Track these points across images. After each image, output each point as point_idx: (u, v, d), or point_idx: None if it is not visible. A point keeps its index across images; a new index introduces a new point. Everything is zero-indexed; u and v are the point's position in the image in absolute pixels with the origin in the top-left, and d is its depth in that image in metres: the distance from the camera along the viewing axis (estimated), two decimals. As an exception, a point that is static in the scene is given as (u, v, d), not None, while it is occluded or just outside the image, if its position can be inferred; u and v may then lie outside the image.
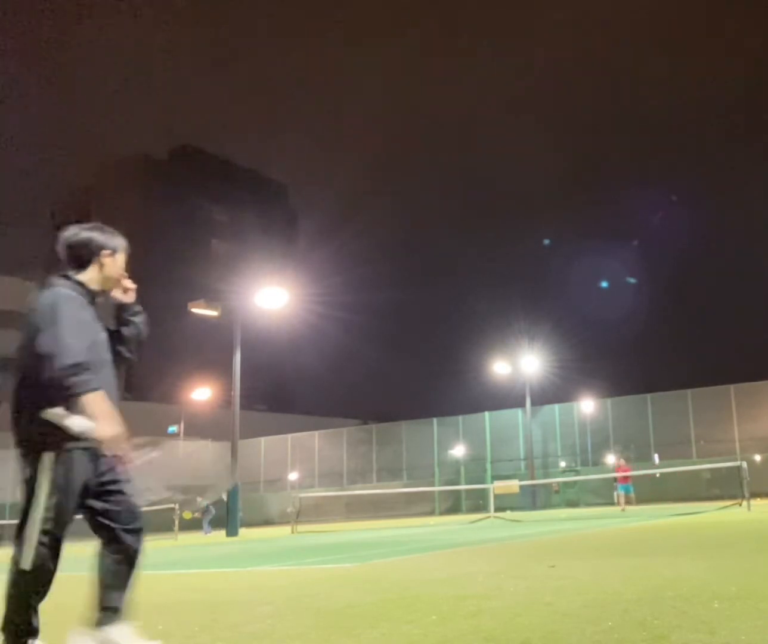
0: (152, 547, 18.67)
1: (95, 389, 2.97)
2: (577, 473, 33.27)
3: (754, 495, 19.62)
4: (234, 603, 5.15)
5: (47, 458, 2.99)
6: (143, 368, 70.72)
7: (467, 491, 34.64)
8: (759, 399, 32.16)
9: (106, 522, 3.22)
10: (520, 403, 35.55)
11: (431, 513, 34.16)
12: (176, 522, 24.49)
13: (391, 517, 31.02)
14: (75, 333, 3.02)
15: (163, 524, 29.92)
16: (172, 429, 52.13)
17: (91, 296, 3.33)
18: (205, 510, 30.92)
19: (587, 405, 36.36)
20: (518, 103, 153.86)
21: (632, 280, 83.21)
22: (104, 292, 3.42)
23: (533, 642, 3.06)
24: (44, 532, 3.00)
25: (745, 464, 18.73)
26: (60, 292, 3.14)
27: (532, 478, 32.51)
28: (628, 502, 23.37)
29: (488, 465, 36.07)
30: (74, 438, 2.97)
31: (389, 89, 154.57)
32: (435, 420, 39.17)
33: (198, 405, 50.50)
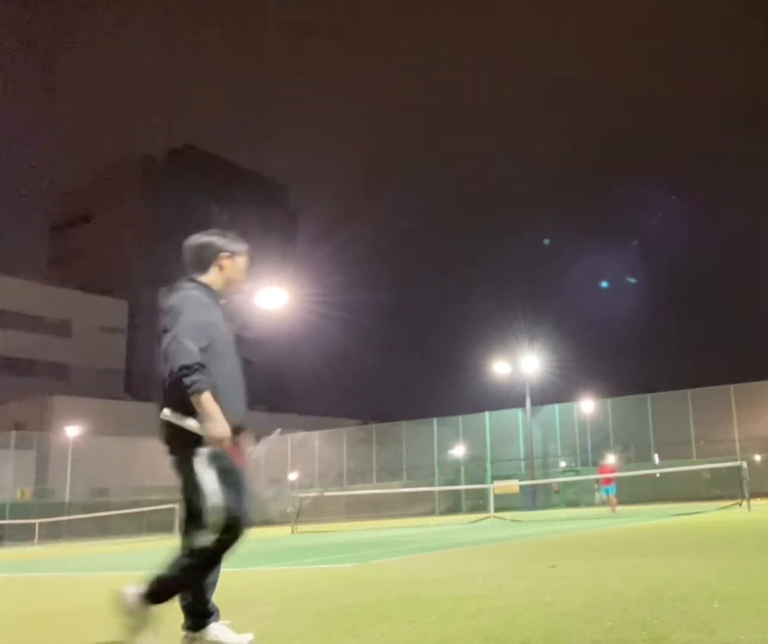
0: (152, 547, 18.70)
1: (203, 389, 3.06)
2: (577, 473, 33.25)
3: (754, 495, 19.61)
4: (234, 603, 5.14)
5: (199, 453, 3.13)
6: (143, 368, 70.80)
7: (467, 491, 34.63)
8: (759, 399, 32.17)
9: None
10: (520, 403, 35.54)
11: (431, 513, 34.16)
12: (176, 522, 24.47)
13: (391, 517, 31.03)
14: (192, 334, 3.13)
15: (164, 524, 29.93)
16: (172, 429, 52.12)
17: (216, 297, 3.45)
18: None
19: (587, 405, 36.36)
20: (518, 103, 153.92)
21: (632, 280, 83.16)
22: (226, 294, 3.55)
23: (533, 642, 3.06)
24: (207, 520, 3.13)
25: (745, 464, 18.74)
26: (184, 294, 3.28)
27: (532, 478, 32.50)
28: (610, 504, 22.91)
29: (488, 465, 36.08)
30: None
31: (389, 89, 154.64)
32: (435, 420, 39.16)
33: (198, 405, 50.49)
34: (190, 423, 3.11)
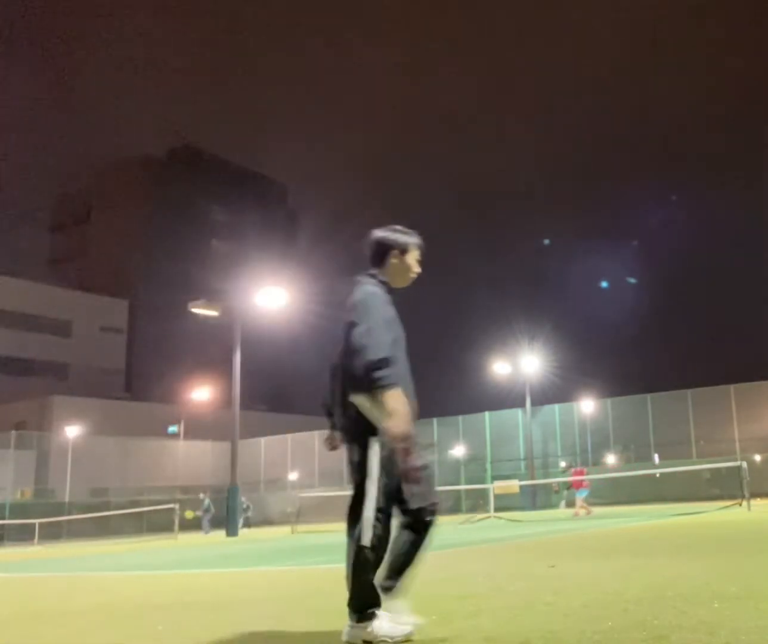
0: (152, 547, 18.70)
1: (393, 385, 3.11)
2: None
3: (754, 495, 19.62)
4: (234, 603, 5.15)
5: (375, 443, 3.20)
6: (143, 368, 70.78)
7: (467, 491, 34.63)
8: (759, 399, 32.17)
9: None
10: (520, 403, 35.54)
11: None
12: (176, 522, 24.49)
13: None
14: (383, 328, 3.23)
15: (164, 524, 29.94)
16: (172, 429, 52.12)
17: (392, 293, 3.53)
18: (206, 509, 30.91)
19: (587, 405, 36.35)
20: (518, 103, 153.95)
21: (632, 280, 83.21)
22: (400, 287, 3.62)
23: (533, 642, 3.06)
24: (378, 510, 3.18)
25: (745, 464, 18.74)
26: (368, 289, 3.38)
27: (532, 478, 32.50)
28: (582, 507, 22.54)
29: (488, 465, 36.08)
30: None
31: (389, 89, 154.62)
32: (435, 420, 39.14)
33: (198, 406, 50.50)
34: (377, 416, 3.16)
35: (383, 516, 3.20)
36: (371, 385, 3.11)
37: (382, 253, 3.55)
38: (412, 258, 3.61)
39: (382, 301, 3.36)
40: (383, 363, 3.11)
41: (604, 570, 5.79)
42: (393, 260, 3.55)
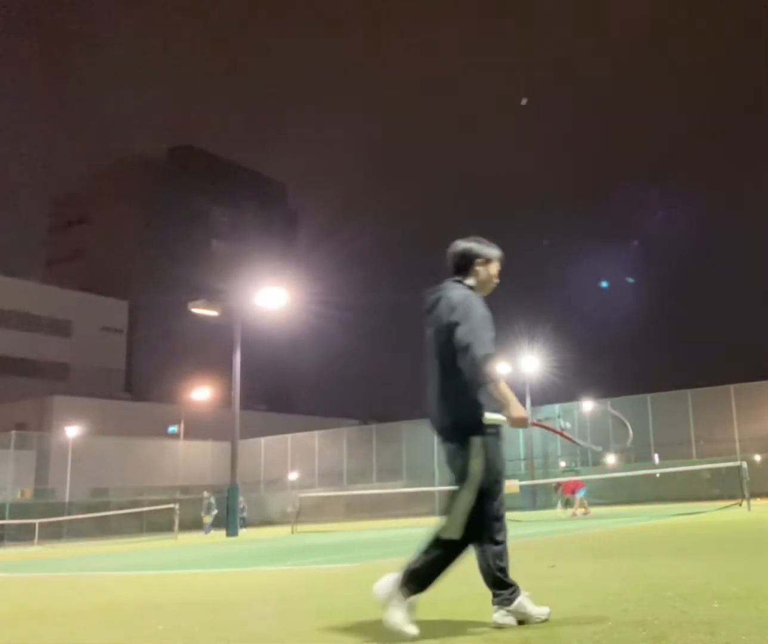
0: (152, 547, 18.70)
1: (500, 378, 3.32)
2: (578, 473, 33.21)
3: (754, 495, 19.62)
4: (234, 603, 5.15)
5: (476, 441, 3.37)
6: (143, 368, 70.77)
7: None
8: (759, 399, 32.15)
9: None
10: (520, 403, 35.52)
11: (431, 513, 34.11)
12: (176, 522, 24.48)
13: (391, 517, 31.02)
14: (486, 327, 3.42)
15: (164, 524, 29.93)
16: (172, 429, 52.12)
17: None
18: (209, 508, 30.87)
19: (587, 405, 36.32)
20: (518, 103, 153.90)
21: (632, 280, 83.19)
22: (482, 296, 3.76)
23: (533, 642, 3.06)
24: (474, 508, 3.36)
25: (745, 464, 18.73)
26: (466, 291, 3.57)
27: (532, 478, 32.49)
28: (581, 506, 22.40)
29: (488, 465, 36.04)
30: (491, 422, 3.39)
31: (389, 89, 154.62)
32: (435, 420, 39.09)
33: (198, 405, 50.50)
34: (494, 416, 3.33)
35: (481, 513, 3.38)
36: (480, 381, 3.29)
37: (467, 262, 3.71)
38: (495, 268, 3.78)
39: (479, 301, 3.55)
40: (489, 358, 3.29)
41: (604, 570, 5.79)
42: (478, 268, 3.71)
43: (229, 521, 23.64)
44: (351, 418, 59.04)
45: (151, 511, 32.89)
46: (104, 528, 34.81)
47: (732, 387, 31.54)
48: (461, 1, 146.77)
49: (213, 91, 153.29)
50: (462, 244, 3.75)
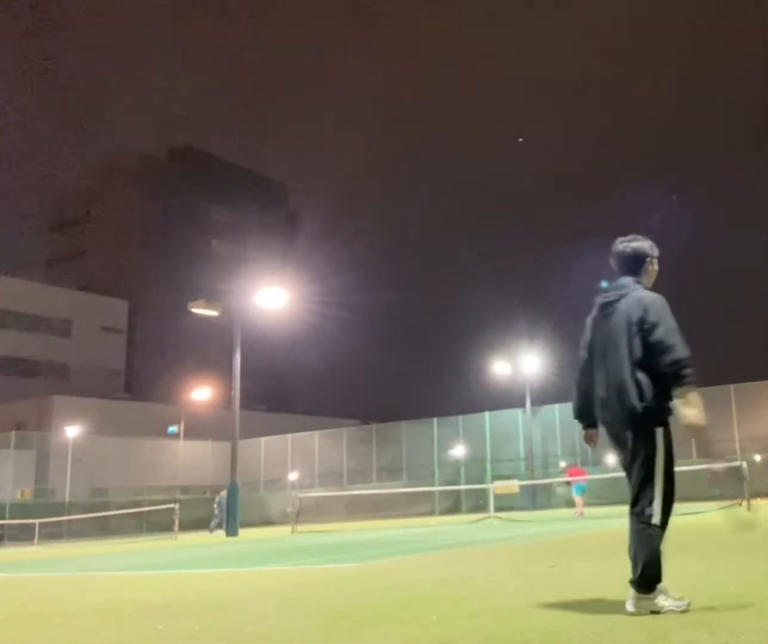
0: (152, 547, 18.70)
1: (694, 382, 3.53)
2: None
3: (754, 495, 19.60)
4: (234, 603, 5.15)
5: (660, 432, 3.58)
6: (143, 368, 70.75)
7: (467, 491, 34.61)
8: (759, 399, 32.13)
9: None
10: (520, 403, 35.51)
11: (431, 513, 34.13)
12: (176, 522, 24.46)
13: (391, 517, 31.00)
14: (680, 331, 3.60)
15: (164, 524, 29.91)
16: (172, 429, 52.11)
17: None
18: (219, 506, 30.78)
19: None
20: (518, 103, 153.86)
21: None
22: None
23: (533, 642, 3.06)
24: (664, 492, 3.55)
25: (745, 464, 18.71)
26: (656, 294, 3.75)
27: (532, 478, 32.47)
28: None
29: (488, 465, 36.03)
30: (670, 414, 3.61)
31: (388, 88, 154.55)
32: (435, 420, 39.10)
33: (198, 405, 50.47)
34: (686, 412, 3.50)
35: (668, 497, 3.55)
36: (680, 381, 3.49)
37: (640, 261, 3.89)
38: (657, 266, 3.99)
39: (666, 302, 3.73)
40: (688, 361, 3.51)
41: (604, 570, 5.79)
42: (649, 267, 3.92)
43: (229, 521, 23.63)
44: (351, 418, 59.01)
45: (151, 511, 32.86)
46: (104, 528, 34.79)
47: (732, 387, 31.51)
48: (463, 3, 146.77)
49: (213, 91, 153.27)
50: (634, 244, 3.91)
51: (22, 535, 31.97)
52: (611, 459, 35.31)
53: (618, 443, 3.71)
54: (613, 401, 3.64)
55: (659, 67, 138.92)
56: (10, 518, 34.04)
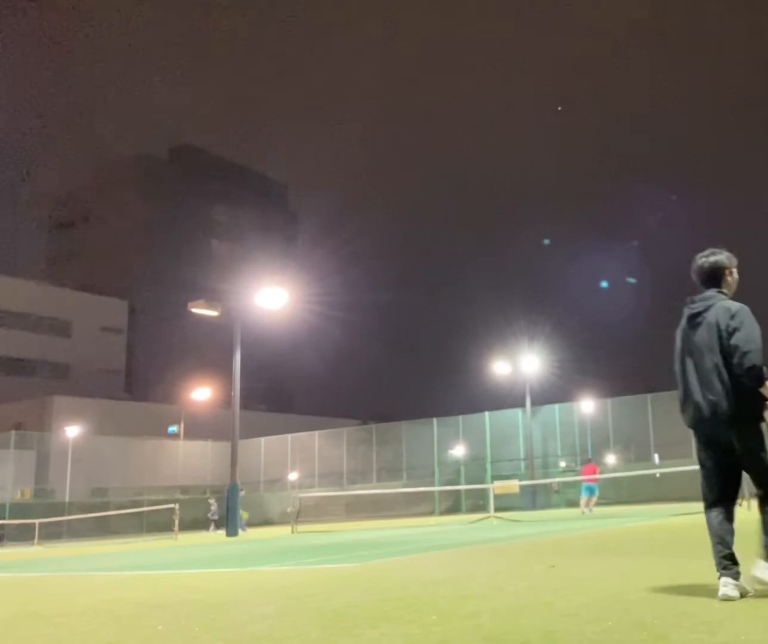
0: (152, 547, 18.70)
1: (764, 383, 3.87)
2: (578, 473, 33.19)
3: (754, 495, 19.59)
4: (234, 603, 5.14)
5: (761, 426, 3.99)
6: (143, 368, 70.75)
7: (467, 491, 34.61)
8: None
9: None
10: (520, 403, 35.50)
11: (431, 513, 34.12)
12: (176, 522, 24.46)
13: (391, 517, 31.00)
14: (759, 336, 3.93)
15: (164, 524, 29.92)
16: (172, 429, 52.10)
17: None
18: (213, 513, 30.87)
19: (587, 405, 36.28)
20: (518, 103, 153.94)
21: (632, 280, 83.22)
22: None
23: (533, 642, 3.06)
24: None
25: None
26: (741, 304, 4.06)
27: (532, 478, 32.46)
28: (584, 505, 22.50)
29: (488, 465, 36.02)
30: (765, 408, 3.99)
31: (389, 88, 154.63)
32: (435, 420, 39.09)
33: (198, 405, 50.47)
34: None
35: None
36: (756, 382, 3.84)
37: (719, 274, 4.19)
38: (737, 273, 4.28)
39: (750, 311, 4.05)
40: (761, 369, 3.84)
41: (604, 570, 5.79)
42: (729, 278, 4.21)
43: (229, 521, 23.63)
44: (351, 418, 59.01)
45: (151, 511, 32.86)
46: (104, 528, 34.78)
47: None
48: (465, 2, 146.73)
49: (213, 91, 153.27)
50: (711, 259, 4.20)
51: (22, 535, 31.96)
52: (611, 459, 35.37)
53: (716, 443, 4.09)
54: (711, 403, 3.97)
55: (659, 67, 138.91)
56: (10, 518, 34.03)
